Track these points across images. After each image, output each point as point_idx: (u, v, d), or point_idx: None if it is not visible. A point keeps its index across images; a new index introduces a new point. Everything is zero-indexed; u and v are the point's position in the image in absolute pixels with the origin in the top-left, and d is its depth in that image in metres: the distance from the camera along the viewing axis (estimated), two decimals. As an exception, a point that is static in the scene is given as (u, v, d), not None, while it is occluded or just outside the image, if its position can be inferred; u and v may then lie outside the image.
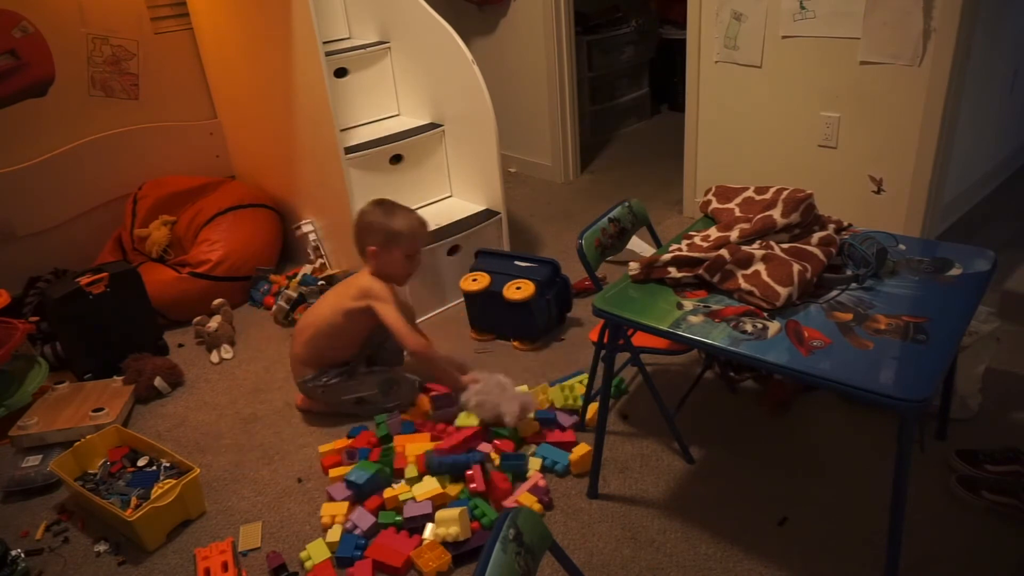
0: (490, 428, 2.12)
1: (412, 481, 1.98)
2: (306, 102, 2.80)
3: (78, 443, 2.12)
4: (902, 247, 1.76)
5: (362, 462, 2.04)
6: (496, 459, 2.03)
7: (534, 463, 2.02)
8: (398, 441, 2.13)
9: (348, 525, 1.88)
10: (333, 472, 2.08)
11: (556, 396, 2.27)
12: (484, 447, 2.06)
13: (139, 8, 3.18)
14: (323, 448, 2.17)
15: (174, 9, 3.27)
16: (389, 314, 2.18)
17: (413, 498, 1.90)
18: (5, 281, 2.75)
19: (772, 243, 1.69)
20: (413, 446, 2.07)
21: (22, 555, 1.87)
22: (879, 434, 2.05)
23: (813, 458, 2.00)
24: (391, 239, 2.18)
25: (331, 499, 1.98)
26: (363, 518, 1.89)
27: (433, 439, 2.12)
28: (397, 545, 1.79)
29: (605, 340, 1.78)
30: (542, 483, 1.95)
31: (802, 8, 2.76)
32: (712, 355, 2.26)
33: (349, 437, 2.23)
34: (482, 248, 2.86)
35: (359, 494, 1.96)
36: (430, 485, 1.93)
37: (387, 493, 1.94)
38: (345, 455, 2.12)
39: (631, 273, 1.72)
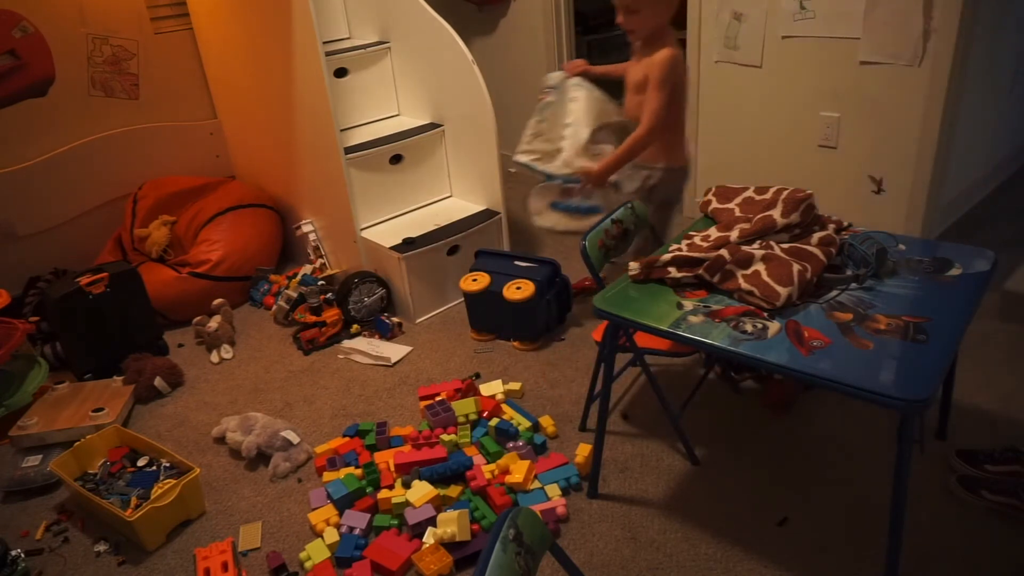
0: (483, 452, 2.09)
1: (405, 483, 1.98)
2: (306, 102, 2.80)
3: (78, 443, 2.12)
4: (902, 247, 1.76)
5: (348, 476, 2.02)
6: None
7: (552, 490, 1.94)
8: (381, 457, 2.10)
9: (343, 529, 1.88)
10: (325, 476, 2.07)
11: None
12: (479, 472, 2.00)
13: (139, 8, 3.18)
14: (319, 449, 2.17)
15: (174, 9, 3.28)
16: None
17: (411, 504, 1.90)
18: (5, 281, 2.75)
19: (772, 243, 1.69)
20: (395, 461, 2.05)
21: (22, 555, 1.87)
22: (879, 434, 2.05)
23: (813, 458, 2.00)
24: None
25: (311, 505, 1.98)
26: (358, 518, 1.89)
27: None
28: (396, 547, 1.79)
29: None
30: (562, 511, 1.86)
31: (802, 8, 2.76)
32: (712, 355, 2.26)
33: (344, 436, 2.23)
34: (482, 248, 2.86)
35: (339, 504, 1.95)
36: (424, 488, 1.93)
37: (380, 495, 1.94)
38: (328, 463, 2.11)
39: (631, 273, 1.72)
